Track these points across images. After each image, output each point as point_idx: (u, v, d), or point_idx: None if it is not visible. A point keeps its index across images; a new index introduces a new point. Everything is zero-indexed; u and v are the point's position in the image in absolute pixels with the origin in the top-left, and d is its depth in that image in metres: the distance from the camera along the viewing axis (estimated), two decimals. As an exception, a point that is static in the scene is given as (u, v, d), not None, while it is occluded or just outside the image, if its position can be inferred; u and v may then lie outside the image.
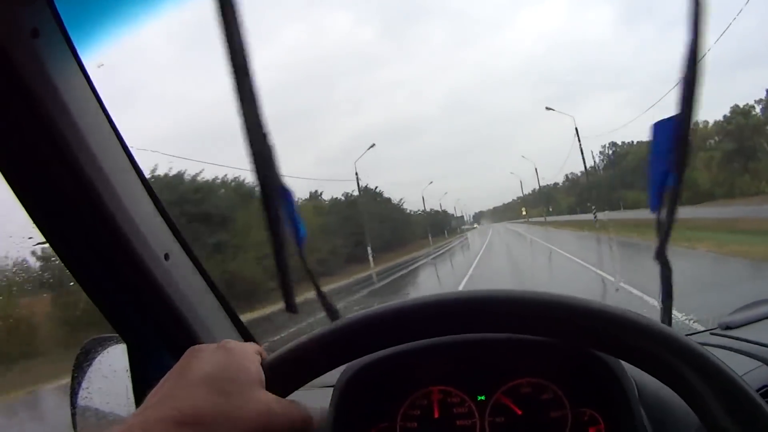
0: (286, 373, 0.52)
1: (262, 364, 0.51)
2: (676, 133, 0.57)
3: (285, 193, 0.56)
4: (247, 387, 0.47)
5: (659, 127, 0.60)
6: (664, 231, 0.61)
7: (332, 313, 0.57)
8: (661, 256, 0.64)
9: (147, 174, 0.71)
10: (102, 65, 0.63)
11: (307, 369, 0.54)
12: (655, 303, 0.69)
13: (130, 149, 0.68)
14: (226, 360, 0.49)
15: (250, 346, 0.53)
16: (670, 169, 0.59)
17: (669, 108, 0.56)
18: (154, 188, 0.71)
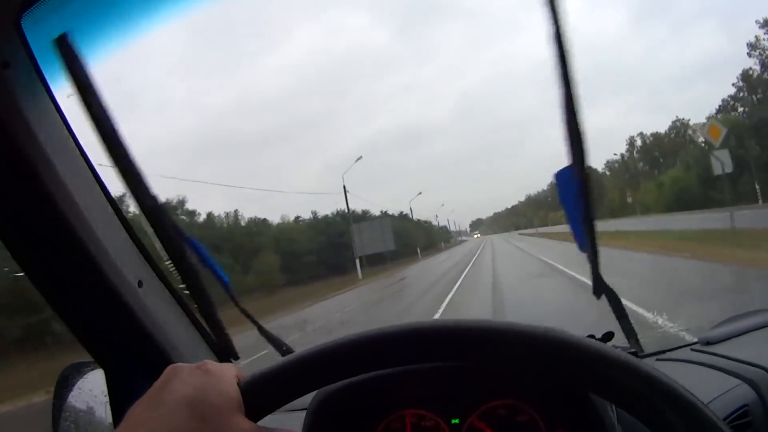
0: (263, 396, 0.51)
1: (239, 386, 0.50)
2: (576, 181, 0.62)
3: (193, 246, 0.55)
4: (225, 412, 0.47)
5: (560, 176, 0.65)
6: (593, 266, 0.65)
7: (281, 348, 0.55)
8: (598, 290, 0.69)
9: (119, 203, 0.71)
10: (71, 95, 0.64)
11: (284, 392, 0.52)
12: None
13: (103, 178, 0.69)
14: (206, 383, 0.48)
15: (228, 368, 0.52)
16: (584, 213, 0.64)
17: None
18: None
